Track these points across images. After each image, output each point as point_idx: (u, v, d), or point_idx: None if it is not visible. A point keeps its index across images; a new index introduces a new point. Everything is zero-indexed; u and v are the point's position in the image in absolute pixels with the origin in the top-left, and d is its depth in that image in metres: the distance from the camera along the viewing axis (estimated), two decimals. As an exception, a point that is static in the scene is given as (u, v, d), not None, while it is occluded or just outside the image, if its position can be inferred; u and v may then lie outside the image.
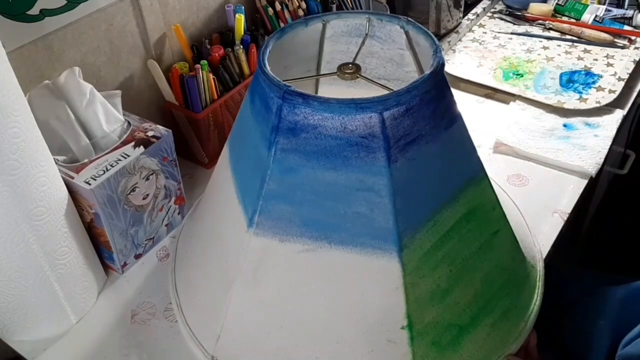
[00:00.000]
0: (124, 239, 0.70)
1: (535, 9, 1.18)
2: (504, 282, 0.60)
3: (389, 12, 1.00)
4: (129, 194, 0.68)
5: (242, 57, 0.87)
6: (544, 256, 0.70)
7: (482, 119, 0.96)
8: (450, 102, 0.54)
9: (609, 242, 1.49)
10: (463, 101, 1.00)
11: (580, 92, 0.97)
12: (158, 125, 0.72)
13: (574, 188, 0.82)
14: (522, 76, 1.01)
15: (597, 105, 0.93)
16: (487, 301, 0.58)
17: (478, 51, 1.10)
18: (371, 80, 0.58)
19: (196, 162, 0.90)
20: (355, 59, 0.61)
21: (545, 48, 1.08)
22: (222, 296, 0.57)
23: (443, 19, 1.11)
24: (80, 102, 0.68)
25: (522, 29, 1.16)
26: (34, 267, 0.60)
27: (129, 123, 0.71)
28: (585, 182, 0.83)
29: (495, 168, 0.86)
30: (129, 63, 0.82)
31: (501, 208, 0.61)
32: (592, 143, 0.87)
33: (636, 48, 1.07)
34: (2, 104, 0.51)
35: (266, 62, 0.53)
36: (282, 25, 0.95)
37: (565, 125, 0.91)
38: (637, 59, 1.03)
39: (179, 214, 0.78)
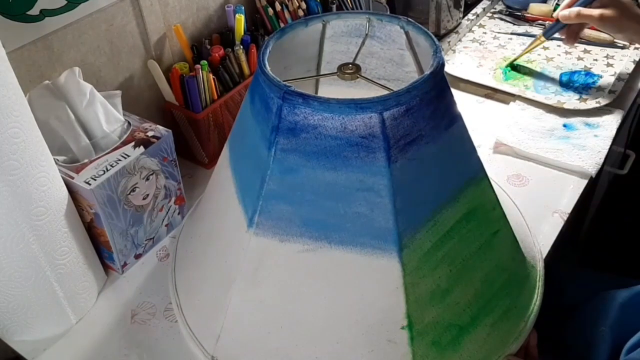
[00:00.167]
0: (124, 239, 0.70)
1: (535, 9, 1.18)
2: (504, 282, 0.60)
3: (389, 12, 1.00)
4: (129, 194, 0.68)
5: (242, 57, 0.87)
6: (544, 256, 0.70)
7: (482, 119, 0.96)
8: (450, 102, 0.54)
9: (609, 242, 1.49)
10: (463, 101, 1.00)
11: (580, 92, 0.97)
12: (158, 126, 0.72)
13: (574, 188, 0.82)
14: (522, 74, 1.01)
15: (597, 105, 0.93)
16: (487, 301, 0.58)
17: (478, 51, 1.10)
18: (371, 81, 0.58)
19: (196, 162, 0.90)
20: (355, 59, 0.61)
21: (545, 48, 1.08)
22: (222, 296, 0.57)
23: (443, 19, 1.11)
24: (80, 102, 0.68)
25: (522, 29, 1.16)
26: (34, 267, 0.60)
27: (129, 123, 0.71)
28: (585, 182, 0.83)
29: (495, 168, 0.86)
30: (129, 63, 0.82)
31: (501, 208, 0.61)
32: (592, 143, 0.87)
33: (636, 48, 1.07)
34: (2, 104, 0.51)
35: (266, 62, 0.53)
36: (282, 25, 0.95)
37: (565, 126, 0.91)
38: (637, 59, 1.03)
39: (179, 214, 0.79)
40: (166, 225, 0.77)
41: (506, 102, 0.98)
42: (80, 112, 0.68)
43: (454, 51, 1.10)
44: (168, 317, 0.68)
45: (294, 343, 0.55)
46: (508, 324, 0.59)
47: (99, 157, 0.66)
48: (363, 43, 0.63)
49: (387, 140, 0.48)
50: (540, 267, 0.67)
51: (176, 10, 0.86)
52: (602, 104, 0.93)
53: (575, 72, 1.02)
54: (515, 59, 1.03)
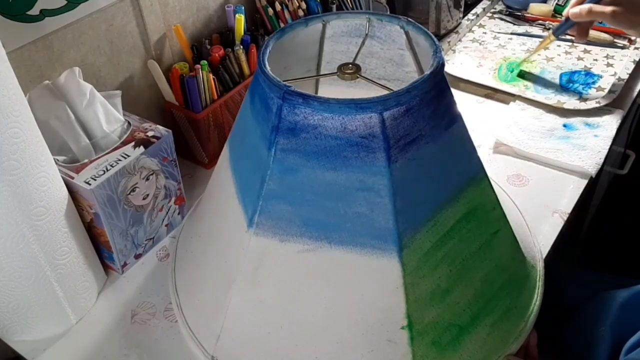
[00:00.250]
0: (124, 239, 0.70)
1: (535, 9, 1.18)
2: (504, 282, 0.60)
3: (389, 12, 1.00)
4: (129, 194, 0.68)
5: (242, 57, 0.87)
6: (544, 256, 0.70)
7: (482, 119, 0.96)
8: (450, 102, 0.54)
9: (609, 242, 1.49)
10: (463, 101, 1.00)
11: (580, 92, 0.97)
12: (158, 126, 0.72)
13: (574, 188, 0.82)
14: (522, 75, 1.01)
15: (597, 105, 0.93)
16: (487, 301, 0.58)
17: (478, 51, 1.10)
18: (371, 81, 0.58)
19: (196, 162, 0.90)
20: (355, 59, 0.61)
21: (545, 48, 1.08)
22: (222, 296, 0.57)
23: (443, 19, 1.11)
24: (80, 102, 0.68)
25: (522, 29, 1.16)
26: (34, 267, 0.60)
27: (129, 123, 0.71)
28: (585, 182, 0.83)
29: (495, 168, 0.86)
30: (129, 63, 0.82)
31: (501, 208, 0.61)
32: (592, 143, 0.87)
33: (636, 48, 1.07)
34: (2, 104, 0.51)
35: (266, 63, 0.53)
36: (282, 25, 0.95)
37: (565, 126, 0.91)
38: (637, 59, 1.03)
39: (179, 214, 0.79)
40: (166, 225, 0.77)
41: (506, 102, 0.98)
42: (80, 112, 0.68)
43: (454, 51, 1.10)
44: (168, 317, 0.68)
45: (294, 343, 0.55)
46: (508, 324, 0.59)
47: (99, 157, 0.66)
48: (363, 43, 0.63)
49: (387, 140, 0.48)
50: (540, 267, 0.67)
51: (176, 10, 0.86)
52: (602, 104, 0.93)
53: (575, 72, 1.02)
54: (525, 59, 1.02)
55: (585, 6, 0.86)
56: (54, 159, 0.62)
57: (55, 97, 0.68)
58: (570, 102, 0.94)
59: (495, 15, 1.21)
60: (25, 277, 0.60)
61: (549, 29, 1.14)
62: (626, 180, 1.18)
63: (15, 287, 0.61)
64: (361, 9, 1.02)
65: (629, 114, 1.02)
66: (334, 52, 0.66)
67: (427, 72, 0.51)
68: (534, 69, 1.03)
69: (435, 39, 0.55)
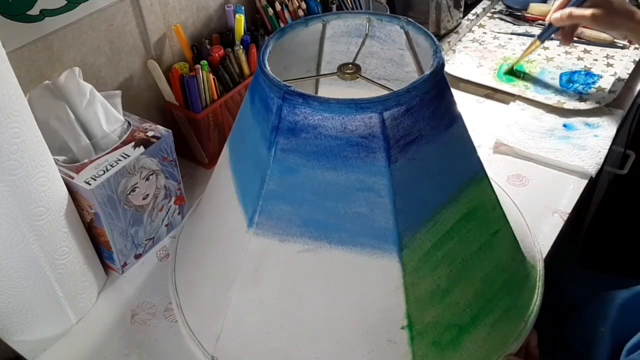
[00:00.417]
0: (124, 239, 0.70)
1: (535, 9, 1.18)
2: (504, 282, 0.60)
3: (389, 12, 1.00)
4: (129, 194, 0.68)
5: (242, 57, 0.87)
6: (544, 256, 0.70)
7: (482, 119, 0.96)
8: (450, 102, 0.54)
9: (609, 242, 1.49)
10: (463, 101, 1.00)
11: (580, 92, 0.97)
12: (158, 126, 0.72)
13: (574, 188, 0.82)
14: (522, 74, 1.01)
15: (597, 105, 0.93)
16: (487, 301, 0.58)
17: (478, 51, 1.10)
18: (371, 81, 0.58)
19: (196, 162, 0.90)
20: (355, 59, 0.61)
21: (545, 48, 1.08)
22: (222, 296, 0.57)
23: (443, 19, 1.11)
24: (80, 102, 0.68)
25: (522, 29, 1.16)
26: (34, 267, 0.60)
27: (129, 123, 0.71)
28: (585, 182, 0.83)
29: (495, 168, 0.86)
30: (129, 63, 0.82)
31: (501, 208, 0.61)
32: (592, 143, 0.87)
33: (636, 48, 1.07)
34: (2, 104, 0.51)
35: (266, 63, 0.53)
36: (282, 25, 0.95)
37: (565, 126, 0.91)
38: (637, 59, 1.03)
39: (179, 214, 0.79)
40: (166, 225, 0.77)
41: (506, 102, 0.98)
42: (80, 112, 0.68)
43: (454, 51, 1.10)
44: (168, 317, 0.68)
45: (294, 343, 0.55)
46: (508, 323, 0.59)
47: (99, 157, 0.66)
48: (363, 43, 0.63)
49: (387, 140, 0.48)
50: (540, 267, 0.67)
51: (176, 10, 0.86)
52: (602, 104, 0.93)
53: (575, 72, 1.02)
54: (512, 66, 1.02)
55: (566, 11, 0.86)
56: (54, 159, 0.62)
57: (55, 97, 0.68)
58: (570, 102, 0.94)
59: (495, 15, 1.21)
60: (25, 277, 0.60)
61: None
62: (626, 180, 1.18)
63: (15, 287, 0.61)
64: (361, 9, 1.02)
65: (629, 114, 1.02)
66: (334, 52, 0.66)
67: (427, 72, 0.51)
68: (534, 69, 1.03)
69: (435, 39, 0.55)
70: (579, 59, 1.05)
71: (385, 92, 0.49)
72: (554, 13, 0.88)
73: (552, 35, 0.94)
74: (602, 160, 0.84)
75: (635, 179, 1.23)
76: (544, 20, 1.15)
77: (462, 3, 1.15)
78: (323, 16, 0.62)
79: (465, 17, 1.18)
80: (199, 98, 0.82)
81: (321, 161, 0.49)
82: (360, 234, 0.51)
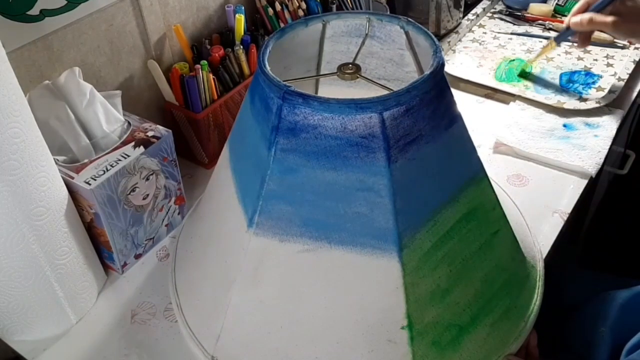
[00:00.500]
0: (124, 239, 0.70)
1: (535, 9, 1.18)
2: (504, 282, 0.60)
3: (389, 12, 1.00)
4: (129, 194, 0.68)
5: (242, 57, 0.87)
6: (544, 256, 0.70)
7: (482, 119, 0.96)
8: (450, 102, 0.54)
9: (609, 242, 1.49)
10: (463, 101, 1.00)
11: (580, 92, 0.97)
12: (158, 126, 0.72)
13: (574, 188, 0.82)
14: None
15: (597, 105, 0.93)
16: (487, 301, 0.58)
17: (478, 51, 1.10)
18: (371, 81, 0.58)
19: (196, 162, 0.90)
20: (355, 59, 0.61)
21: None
22: (222, 296, 0.57)
23: (443, 19, 1.11)
24: (80, 102, 0.68)
25: (522, 29, 1.16)
26: (34, 267, 0.60)
27: (129, 123, 0.71)
28: (585, 182, 0.83)
29: (495, 168, 0.86)
30: (129, 63, 0.82)
31: (501, 208, 0.61)
32: (592, 143, 0.87)
33: (636, 48, 1.07)
34: (2, 104, 0.51)
35: (266, 62, 0.53)
36: (282, 25, 0.95)
37: (565, 126, 0.91)
38: (637, 59, 1.03)
39: (179, 214, 0.79)
40: (166, 225, 0.77)
41: (506, 102, 0.98)
42: (80, 112, 0.68)
43: (454, 51, 1.10)
44: (168, 317, 0.68)
45: (294, 343, 0.55)
46: (508, 323, 0.59)
47: (99, 157, 0.66)
48: (363, 43, 0.63)
49: (387, 140, 0.48)
50: (540, 267, 0.67)
51: (176, 10, 0.86)
52: (602, 104, 0.93)
53: (575, 72, 1.02)
54: (527, 65, 1.02)
55: (586, 16, 0.85)
56: (54, 159, 0.62)
57: (55, 97, 0.68)
58: (570, 102, 0.94)
59: (495, 15, 1.21)
60: (25, 277, 0.60)
61: (549, 29, 1.14)
62: (626, 180, 1.18)
63: (15, 287, 0.61)
64: (361, 9, 1.02)
65: (629, 114, 1.02)
66: (334, 52, 0.66)
67: (427, 72, 0.51)
68: (534, 69, 1.03)
69: (435, 39, 0.55)
70: (579, 59, 1.05)
71: (385, 92, 0.49)
72: (574, 17, 0.88)
73: (569, 38, 0.94)
74: (602, 160, 0.84)
75: (635, 179, 1.23)
76: (544, 20, 1.16)
77: (462, 3, 1.15)
78: (323, 16, 0.62)
79: (465, 17, 1.18)
80: (199, 98, 0.82)
81: (321, 161, 0.49)
82: (360, 234, 0.51)
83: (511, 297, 0.60)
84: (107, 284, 0.73)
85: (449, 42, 1.11)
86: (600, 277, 0.89)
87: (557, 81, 1.00)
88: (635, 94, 0.99)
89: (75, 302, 0.67)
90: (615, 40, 1.08)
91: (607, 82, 0.98)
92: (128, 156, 0.67)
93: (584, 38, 0.91)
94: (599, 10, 0.86)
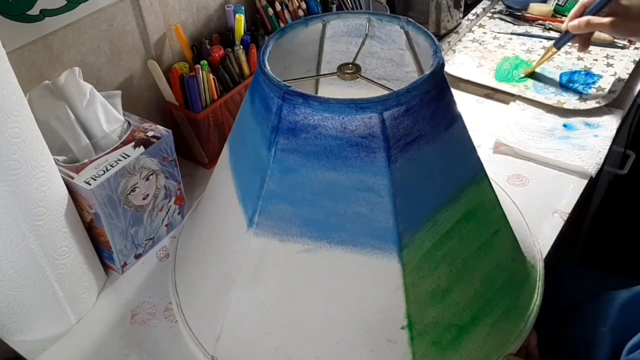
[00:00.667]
0: (124, 239, 0.70)
1: (535, 9, 1.18)
2: (504, 282, 0.60)
3: (389, 12, 1.00)
4: (129, 194, 0.68)
5: (242, 57, 0.87)
6: (544, 256, 0.70)
7: (482, 119, 0.96)
8: (450, 102, 0.54)
9: (609, 242, 1.49)
10: (463, 101, 1.00)
11: (580, 92, 0.97)
12: (158, 126, 0.72)
13: (574, 188, 0.82)
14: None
15: (597, 105, 0.93)
16: (487, 301, 0.58)
17: (478, 51, 1.10)
18: (371, 81, 0.58)
19: (196, 162, 0.90)
20: (355, 59, 0.61)
21: (545, 48, 1.08)
22: (222, 296, 0.57)
23: (443, 19, 1.11)
24: (80, 102, 0.68)
25: (522, 29, 1.16)
26: (34, 267, 0.60)
27: (129, 123, 0.71)
28: (585, 182, 0.83)
29: (495, 168, 0.86)
30: (129, 63, 0.82)
31: (501, 208, 0.61)
32: (592, 143, 0.87)
33: (636, 48, 1.07)
34: (2, 104, 0.51)
35: (266, 62, 0.53)
36: (282, 25, 0.95)
37: (565, 126, 0.91)
38: (637, 59, 1.03)
39: (179, 214, 0.79)
40: (166, 225, 0.77)
41: (506, 102, 0.98)
42: (80, 112, 0.68)
43: (454, 51, 1.10)
44: (168, 317, 0.68)
45: (294, 343, 0.55)
46: (508, 323, 0.59)
47: (99, 157, 0.66)
48: (363, 43, 0.63)
49: (387, 140, 0.48)
50: (540, 267, 0.67)
51: (176, 10, 0.86)
52: (602, 104, 0.93)
53: (575, 72, 1.02)
54: (531, 71, 1.02)
55: (584, 19, 0.86)
56: (54, 159, 0.62)
57: (55, 97, 0.68)
58: (570, 102, 0.94)
59: (495, 15, 1.21)
60: (25, 277, 0.60)
61: (549, 29, 1.14)
62: (626, 180, 1.18)
63: (15, 287, 0.61)
64: (361, 9, 1.02)
65: (629, 114, 1.02)
66: (334, 52, 0.66)
67: (427, 72, 0.51)
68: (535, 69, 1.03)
69: (435, 39, 0.55)
70: (579, 59, 1.05)
71: (385, 92, 0.49)
72: (571, 21, 0.88)
73: (568, 43, 0.94)
74: (602, 160, 0.84)
75: (635, 179, 1.23)
76: (544, 20, 1.16)
77: (462, 3, 1.15)
78: (323, 16, 0.62)
79: (465, 17, 1.18)
80: (199, 98, 0.82)
81: (321, 161, 0.49)
82: (360, 234, 0.51)
83: (511, 297, 0.60)
84: (107, 284, 0.73)
85: (449, 42, 1.10)
86: (600, 277, 0.89)
87: (557, 81, 1.00)
88: (635, 94, 0.99)
89: (75, 302, 0.67)
90: (616, 40, 1.08)
91: (607, 82, 0.98)
92: (128, 156, 0.67)
93: (583, 41, 0.91)
94: (596, 12, 0.86)
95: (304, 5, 0.96)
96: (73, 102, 0.68)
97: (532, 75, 1.01)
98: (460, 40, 1.14)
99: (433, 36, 0.56)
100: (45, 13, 0.69)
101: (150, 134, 0.70)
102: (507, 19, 1.19)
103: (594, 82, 0.99)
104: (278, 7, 0.94)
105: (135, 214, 0.70)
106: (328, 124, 0.48)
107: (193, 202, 0.78)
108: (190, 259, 0.66)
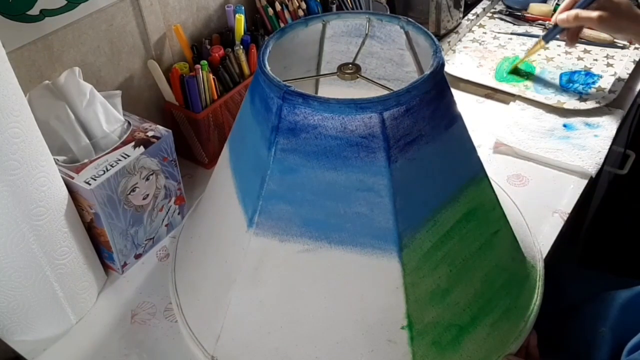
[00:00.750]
0: (124, 239, 0.70)
1: (535, 9, 1.18)
2: (504, 282, 0.60)
3: (389, 12, 1.00)
4: (129, 194, 0.68)
5: (242, 57, 0.87)
6: (544, 256, 0.70)
7: (482, 119, 0.96)
8: (450, 102, 0.54)
9: (609, 242, 1.49)
10: (463, 101, 1.00)
11: (580, 92, 0.97)
12: (158, 126, 0.72)
13: (574, 188, 0.82)
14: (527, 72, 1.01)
15: (597, 105, 0.93)
16: (487, 301, 0.58)
17: (478, 51, 1.10)
18: (371, 81, 0.58)
19: (196, 162, 0.90)
20: (355, 59, 0.61)
21: (545, 48, 1.08)
22: (222, 296, 0.57)
23: (443, 19, 1.11)
24: (80, 102, 0.68)
25: (522, 29, 1.16)
26: (34, 267, 0.60)
27: (129, 123, 0.71)
28: (585, 182, 0.83)
29: (495, 168, 0.86)
30: (129, 63, 0.82)
31: (501, 208, 0.61)
32: (592, 143, 0.87)
33: (636, 48, 1.06)
34: (2, 104, 0.51)
35: (266, 62, 0.53)
36: (282, 25, 0.95)
37: (565, 126, 0.91)
38: (637, 59, 1.03)
39: (179, 214, 0.78)
40: (166, 225, 0.77)
41: (506, 102, 0.98)
42: (80, 112, 0.68)
43: (454, 51, 1.10)
44: (168, 317, 0.68)
45: (294, 343, 0.55)
46: (508, 323, 0.59)
47: (99, 157, 0.66)
48: (363, 43, 0.63)
49: (387, 140, 0.48)
50: (540, 267, 0.67)
51: (176, 10, 0.86)
52: (602, 104, 0.93)
53: (575, 72, 1.02)
54: (516, 65, 1.02)
55: (572, 12, 0.86)
56: (54, 159, 0.62)
57: (55, 97, 0.68)
58: (570, 102, 0.94)
59: (495, 15, 1.21)
60: (25, 277, 0.60)
61: (549, 29, 1.14)
62: (626, 180, 1.18)
63: (15, 287, 0.61)
64: (361, 9, 1.02)
65: (629, 114, 1.02)
66: (334, 52, 0.66)
67: (427, 72, 0.51)
68: (535, 70, 1.03)
69: (435, 39, 0.55)
70: (579, 59, 1.05)
71: (385, 92, 0.49)
72: (560, 14, 0.88)
73: (557, 36, 0.94)
74: (602, 160, 0.84)
75: (635, 179, 1.23)
76: (544, 20, 1.16)
77: (462, 3, 1.15)
78: (323, 16, 0.62)
79: (465, 17, 1.18)
80: (199, 98, 0.82)
81: (321, 161, 0.49)
82: (360, 234, 0.51)
83: (511, 297, 0.60)
84: (107, 284, 0.73)
85: (449, 42, 1.10)
86: (600, 277, 0.89)
87: (557, 81, 1.00)
88: (635, 94, 0.99)
89: (75, 302, 0.67)
90: (616, 40, 1.08)
91: (607, 82, 0.98)
92: (128, 156, 0.67)
93: (571, 35, 0.91)
94: (585, 6, 0.86)
95: (304, 5, 0.96)
96: (73, 102, 0.68)
97: (532, 75, 1.01)
98: (460, 40, 1.14)
99: (433, 36, 0.56)
100: (45, 13, 0.69)
101: (150, 134, 0.70)
102: (507, 19, 1.19)
103: (594, 82, 0.99)
104: (278, 7, 0.94)
105: (135, 214, 0.70)
106: (328, 124, 0.48)
107: (193, 202, 0.78)
108: (190, 259, 0.66)
